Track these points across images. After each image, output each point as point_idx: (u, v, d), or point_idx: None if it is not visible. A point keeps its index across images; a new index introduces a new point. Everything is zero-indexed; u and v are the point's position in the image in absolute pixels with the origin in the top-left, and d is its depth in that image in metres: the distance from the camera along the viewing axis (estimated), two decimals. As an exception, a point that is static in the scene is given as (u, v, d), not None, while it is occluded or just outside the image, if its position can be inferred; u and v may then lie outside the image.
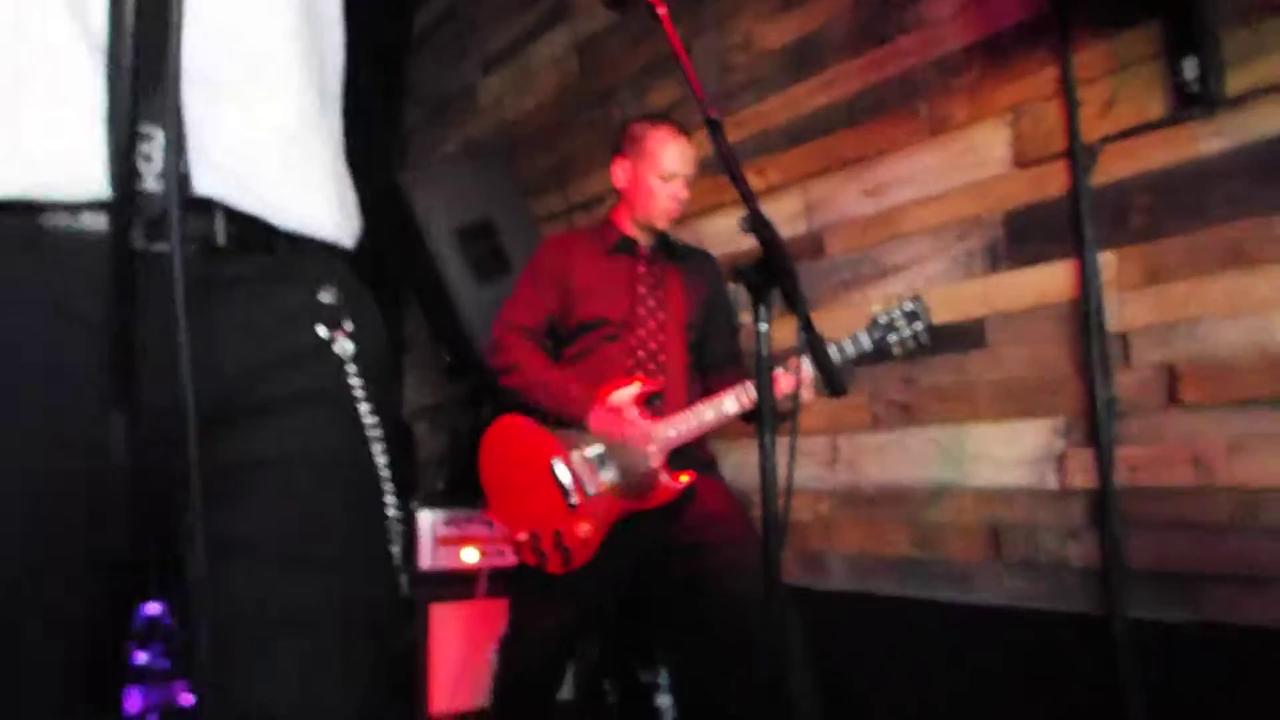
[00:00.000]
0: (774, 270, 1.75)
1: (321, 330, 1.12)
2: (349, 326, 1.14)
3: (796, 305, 1.73)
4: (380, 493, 1.15)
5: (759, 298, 1.79)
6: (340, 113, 1.23)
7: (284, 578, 1.04)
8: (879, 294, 3.10)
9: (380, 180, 4.08)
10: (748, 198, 1.78)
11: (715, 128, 1.78)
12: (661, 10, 1.80)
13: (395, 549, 1.17)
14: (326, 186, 1.15)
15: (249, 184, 1.04)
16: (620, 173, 2.86)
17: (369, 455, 1.14)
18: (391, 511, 1.16)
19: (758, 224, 1.76)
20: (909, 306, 2.53)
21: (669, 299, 2.82)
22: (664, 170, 2.78)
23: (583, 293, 2.80)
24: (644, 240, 2.87)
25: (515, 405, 2.78)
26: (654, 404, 2.70)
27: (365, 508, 1.14)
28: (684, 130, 2.86)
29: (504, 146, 4.78)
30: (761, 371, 1.78)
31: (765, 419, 1.76)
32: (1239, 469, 2.34)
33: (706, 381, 2.86)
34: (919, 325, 2.52)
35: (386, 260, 4.21)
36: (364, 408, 1.14)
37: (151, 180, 0.93)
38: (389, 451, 1.16)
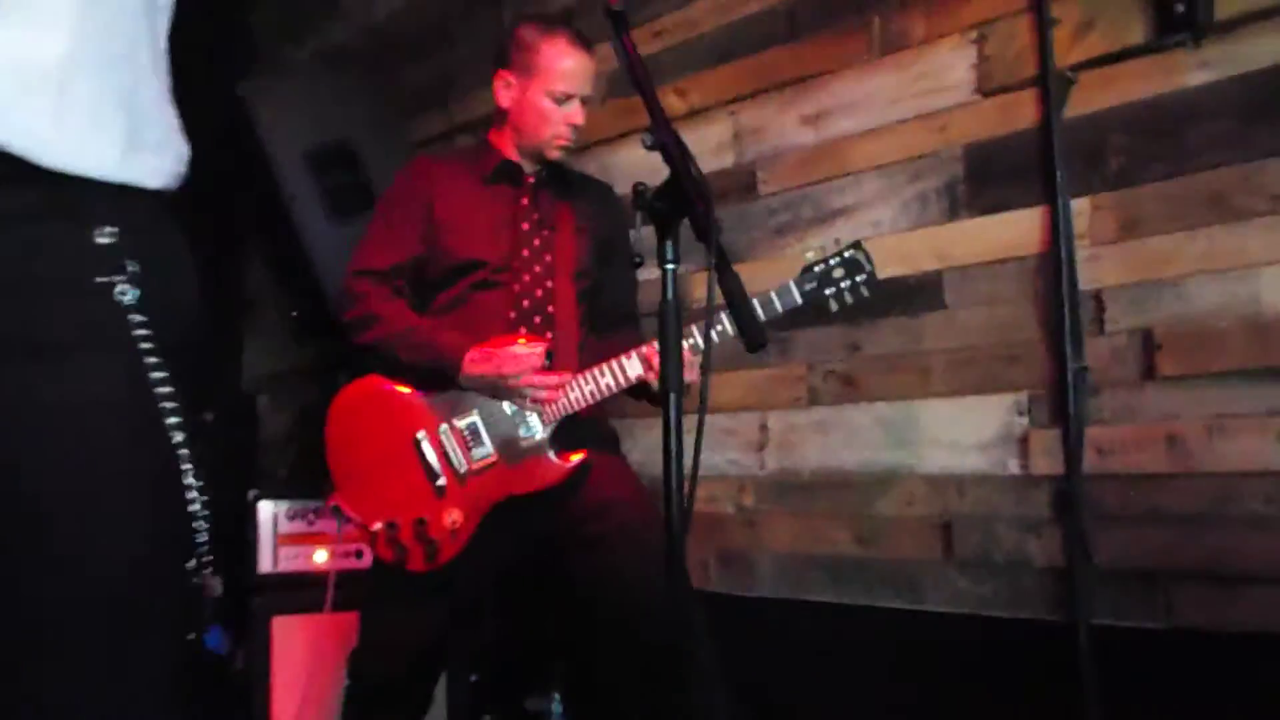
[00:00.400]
0: (683, 196, 1.82)
1: (96, 274, 1.19)
2: (132, 269, 1.22)
3: (709, 238, 1.79)
4: (171, 465, 1.22)
5: (665, 230, 1.86)
6: (150, 33, 1.35)
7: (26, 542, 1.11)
8: (820, 242, 3.21)
9: (218, 90, 4.05)
10: (653, 108, 1.84)
11: (618, 21, 1.82)
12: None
13: (196, 536, 1.26)
14: (107, 119, 1.24)
15: (9, 117, 1.15)
16: (504, 89, 2.87)
17: (156, 417, 1.21)
18: (193, 494, 1.24)
19: (664, 139, 1.82)
20: (849, 254, 2.63)
21: (558, 240, 2.86)
22: (557, 89, 2.79)
23: (453, 229, 2.82)
24: (530, 168, 2.91)
25: (374, 368, 2.81)
26: (542, 365, 2.74)
27: (140, 484, 1.20)
28: (585, 41, 2.87)
29: (371, 54, 4.77)
30: (666, 321, 1.84)
31: (670, 380, 1.82)
32: (1218, 452, 2.50)
33: (600, 342, 2.92)
34: (860, 276, 2.62)
35: (227, 195, 4.19)
36: (151, 362, 1.21)
37: None
38: (185, 417, 1.22)
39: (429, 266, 2.86)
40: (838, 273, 2.63)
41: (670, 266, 1.84)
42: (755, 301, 2.56)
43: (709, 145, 3.49)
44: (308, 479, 3.91)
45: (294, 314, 3.94)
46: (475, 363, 2.67)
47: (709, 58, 3.54)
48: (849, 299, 2.63)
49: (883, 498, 3.06)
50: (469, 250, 2.80)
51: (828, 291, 2.62)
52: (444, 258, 2.82)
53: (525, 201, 2.89)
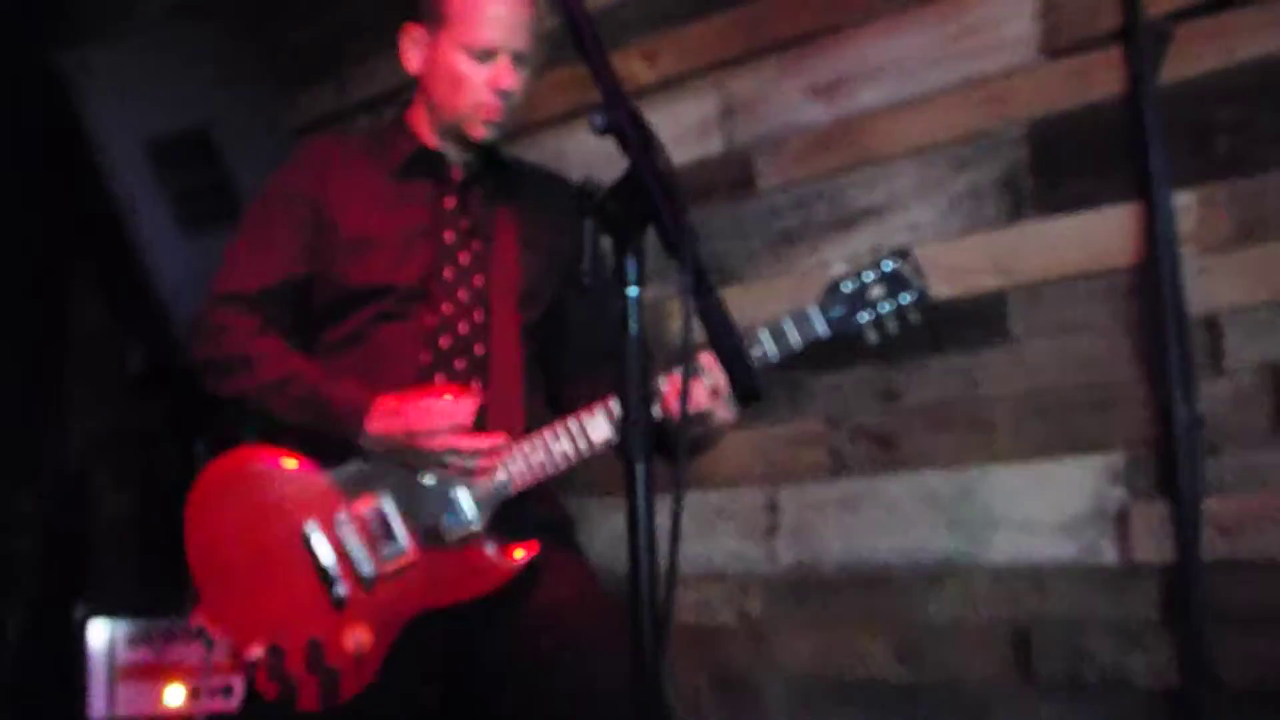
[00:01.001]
0: (646, 195, 1.86)
1: None
2: None
3: (682, 253, 1.82)
4: None
5: (624, 241, 1.89)
6: None
7: None
8: (841, 253, 3.25)
9: (26, 62, 4.11)
10: (602, 76, 1.87)
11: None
12: None
13: None
14: None
15: None
16: (411, 47, 2.89)
17: None
18: None
19: (618, 119, 1.86)
20: (890, 265, 2.59)
21: (495, 254, 2.88)
22: (475, 41, 2.79)
23: (349, 240, 2.83)
24: (456, 156, 2.92)
25: (246, 430, 2.84)
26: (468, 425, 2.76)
27: None
28: None
29: (236, 8, 4.80)
30: (627, 363, 1.88)
31: (632, 446, 1.86)
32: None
33: (560, 392, 2.93)
34: (908, 296, 2.60)
35: (41, 200, 4.25)
36: None
37: None
38: None
39: (316, 291, 2.86)
40: (875, 291, 2.59)
41: (631, 292, 1.87)
42: (764, 334, 2.56)
43: (688, 125, 3.55)
44: (157, 587, 3.93)
45: (138, 359, 3.97)
46: (379, 419, 2.68)
47: (684, 9, 3.59)
48: (893, 328, 2.61)
49: (934, 599, 3.09)
50: (369, 270, 2.81)
51: (863, 318, 2.59)
52: (336, 279, 2.83)
53: (450, 203, 2.89)
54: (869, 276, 2.61)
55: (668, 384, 2.58)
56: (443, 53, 2.82)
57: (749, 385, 1.92)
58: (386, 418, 2.65)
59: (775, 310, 2.65)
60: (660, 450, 2.63)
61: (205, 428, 3.96)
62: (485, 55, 2.79)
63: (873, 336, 2.61)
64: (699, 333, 1.92)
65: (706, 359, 2.55)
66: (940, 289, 3.04)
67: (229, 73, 4.16)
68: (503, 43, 2.78)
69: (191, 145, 3.93)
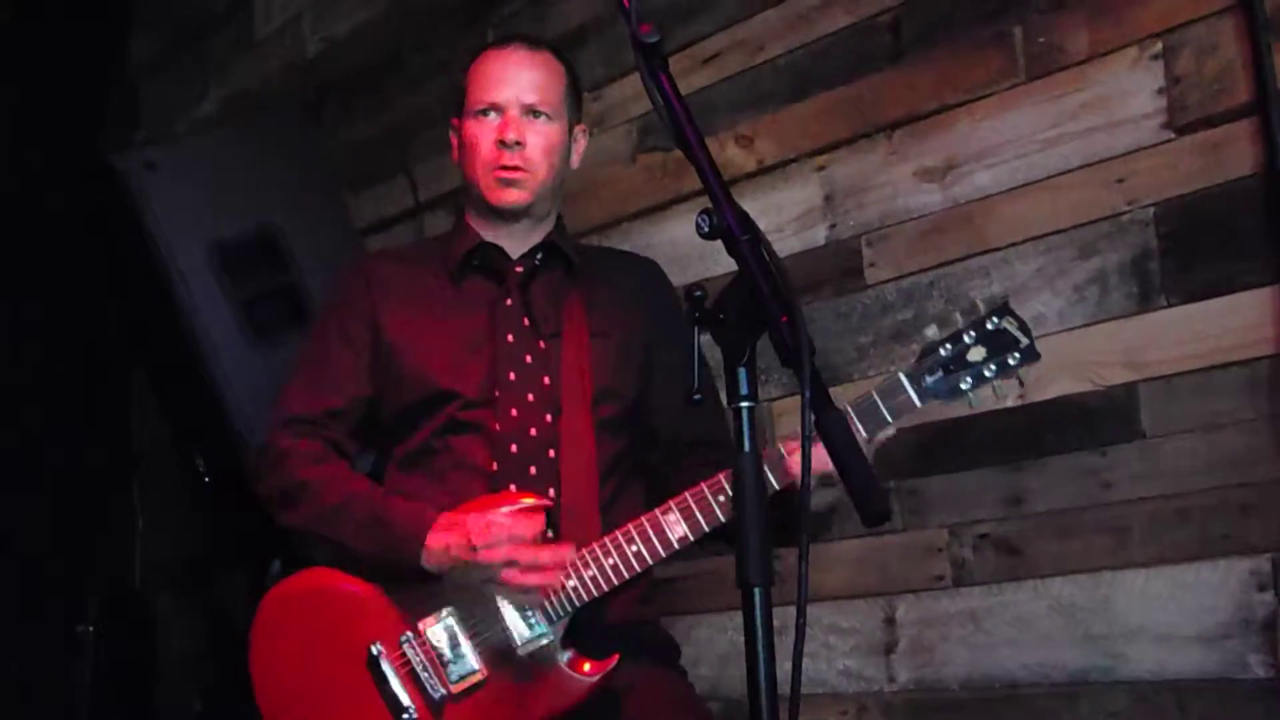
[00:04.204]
0: (760, 305, 1.87)
1: None
2: None
3: (800, 365, 1.83)
4: None
5: (736, 352, 1.91)
6: None
7: None
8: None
9: (84, 165, 4.19)
10: (708, 177, 1.90)
11: (650, 55, 1.90)
12: None
13: None
14: None
15: None
16: (455, 140, 3.02)
17: None
18: None
19: (727, 222, 1.88)
20: (992, 324, 2.55)
21: (563, 351, 2.91)
22: (479, 101, 2.90)
23: (408, 351, 2.89)
24: (515, 245, 2.99)
25: (318, 556, 2.87)
26: (542, 535, 2.73)
27: None
28: (522, 40, 2.99)
29: (300, 104, 4.92)
30: (744, 482, 1.88)
31: (749, 571, 1.85)
32: None
33: (659, 492, 2.87)
34: (1013, 355, 2.50)
35: (102, 308, 4.32)
36: None
37: None
38: None
39: (383, 408, 2.94)
40: (975, 353, 2.50)
41: (745, 405, 1.88)
42: (851, 415, 2.49)
43: (790, 214, 3.60)
44: (232, 715, 3.95)
45: (204, 474, 4.01)
46: (439, 533, 2.69)
47: (783, 90, 3.65)
48: (999, 389, 2.54)
49: (1070, 717, 3.07)
50: (431, 382, 2.87)
51: (963, 383, 2.50)
52: (399, 395, 2.90)
53: (510, 300, 2.94)
54: (968, 337, 2.52)
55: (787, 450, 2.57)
56: (462, 128, 2.95)
57: (876, 506, 1.90)
58: (446, 531, 2.68)
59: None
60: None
61: (280, 545, 4.00)
62: (489, 111, 2.90)
63: (972, 400, 2.52)
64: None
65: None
66: (1066, 385, 3.07)
67: (294, 172, 4.25)
68: (503, 97, 2.89)
69: (258, 248, 4.01)
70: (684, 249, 3.72)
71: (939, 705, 3.29)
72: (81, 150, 4.80)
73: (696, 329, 1.94)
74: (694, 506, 2.61)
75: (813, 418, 1.86)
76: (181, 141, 4.57)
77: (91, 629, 4.44)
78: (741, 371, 1.89)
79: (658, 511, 2.65)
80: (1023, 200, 3.22)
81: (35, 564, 4.80)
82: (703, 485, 2.61)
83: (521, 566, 2.64)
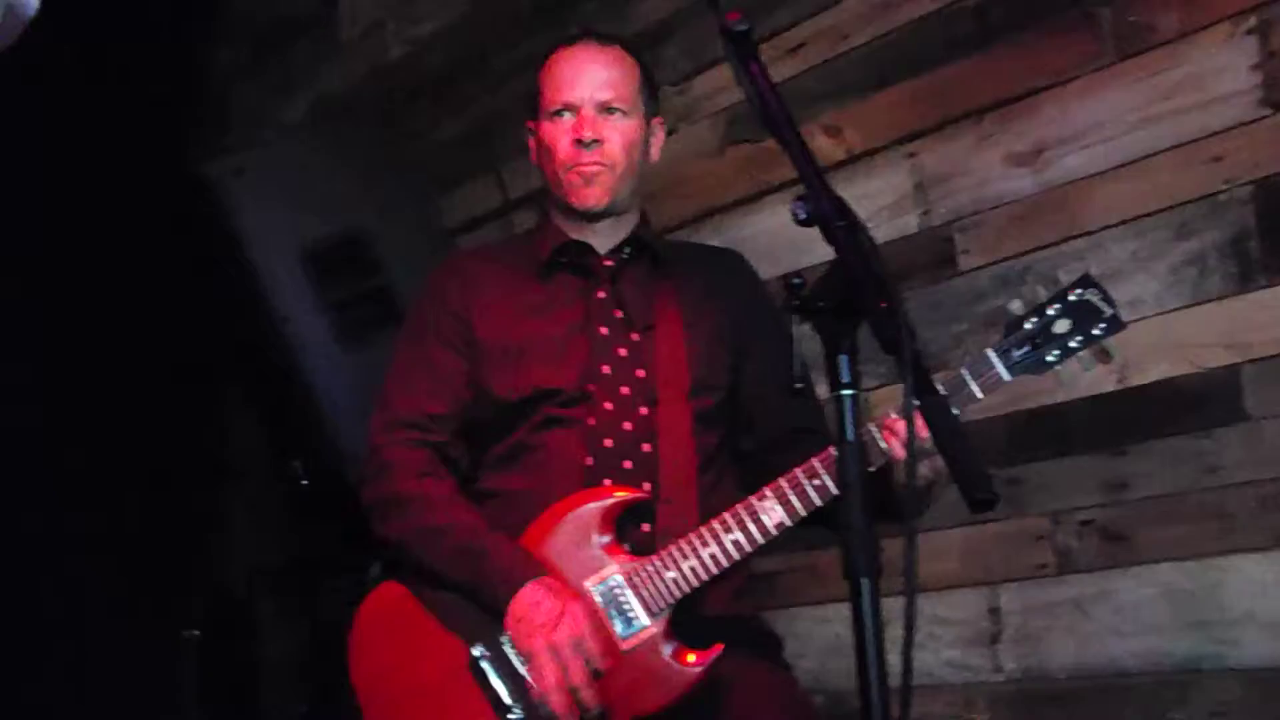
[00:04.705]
0: (859, 292, 1.87)
1: None
2: None
3: (901, 351, 1.82)
4: None
5: (836, 341, 1.91)
6: None
7: None
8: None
9: (172, 172, 4.24)
10: (803, 164, 1.90)
11: (740, 44, 1.90)
12: None
13: None
14: None
15: None
16: (532, 142, 3.03)
17: None
18: None
19: (824, 210, 1.88)
20: (1076, 295, 2.53)
21: (657, 343, 2.92)
22: (553, 102, 2.91)
23: (503, 351, 2.90)
24: (602, 241, 3.00)
25: (409, 563, 2.86)
26: (638, 527, 2.76)
27: None
28: (592, 37, 3.00)
29: (385, 107, 4.97)
30: (847, 471, 1.88)
31: (856, 562, 1.85)
32: None
33: (754, 482, 2.83)
34: (1098, 326, 2.50)
35: (195, 316, 4.38)
36: None
37: None
38: None
39: (478, 408, 2.93)
40: (1060, 325, 2.52)
41: (847, 394, 1.88)
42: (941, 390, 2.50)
43: (881, 203, 3.60)
44: (337, 717, 3.99)
45: (302, 479, 4.06)
46: (532, 596, 2.64)
47: (870, 79, 3.65)
48: (1086, 363, 2.56)
49: (1180, 706, 3.05)
50: (525, 379, 2.87)
51: (1049, 356, 2.52)
52: (494, 394, 2.89)
53: (602, 294, 2.96)
54: (1053, 310, 2.54)
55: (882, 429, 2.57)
56: (539, 130, 2.96)
57: (983, 492, 1.90)
58: (544, 590, 2.64)
59: (987, 400, 2.60)
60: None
61: (377, 553, 4.03)
62: (564, 111, 2.90)
63: (1059, 369, 2.54)
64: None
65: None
66: (1166, 368, 3.05)
67: (382, 175, 4.29)
68: (577, 96, 2.90)
69: (348, 252, 4.05)
70: (776, 240, 3.74)
71: (1046, 695, 3.28)
72: (170, 158, 4.85)
73: (795, 318, 1.94)
74: (789, 492, 2.60)
75: (915, 403, 1.86)
76: (269, 147, 4.59)
77: (197, 633, 4.50)
78: (843, 359, 1.88)
79: (753, 499, 2.64)
80: (1116, 182, 3.21)
81: (139, 570, 4.88)
82: (797, 471, 2.60)
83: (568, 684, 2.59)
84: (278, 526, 5.12)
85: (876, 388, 3.48)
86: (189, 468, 5.20)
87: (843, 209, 1.89)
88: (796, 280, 1.93)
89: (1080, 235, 3.26)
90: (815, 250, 3.51)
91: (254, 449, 5.03)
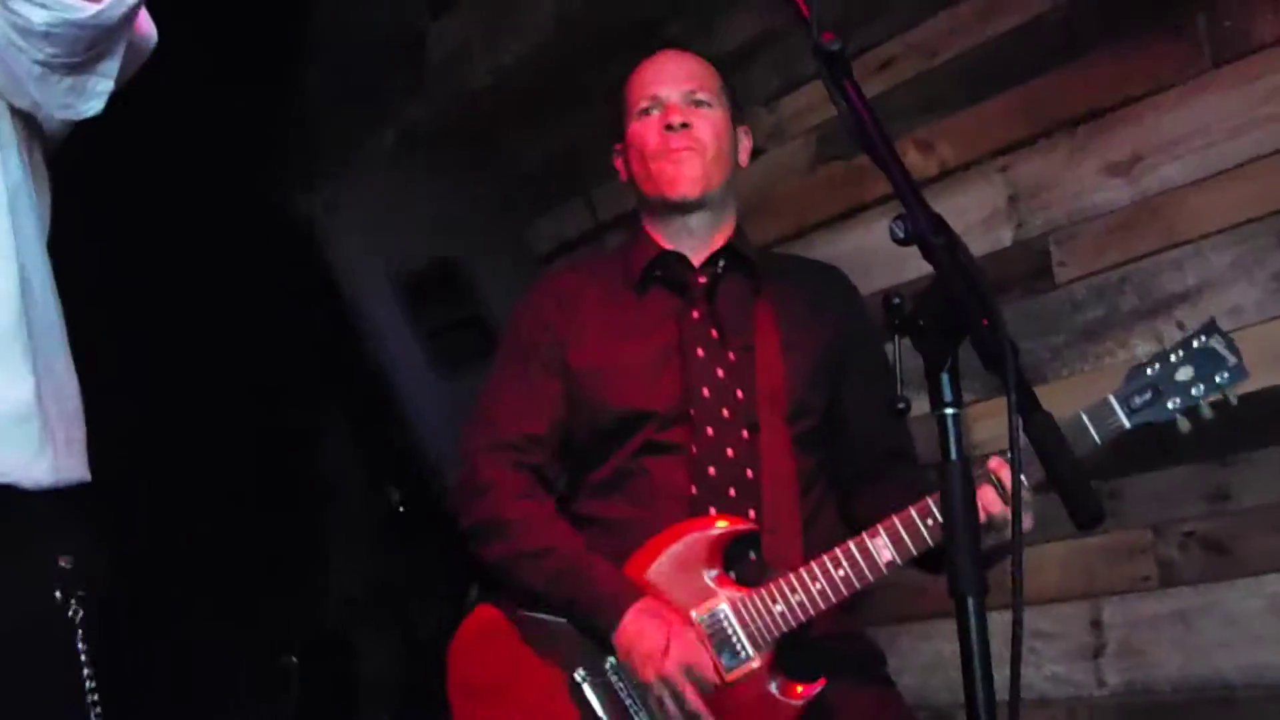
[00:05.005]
0: (959, 309, 1.87)
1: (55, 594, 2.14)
2: (82, 594, 2.17)
3: (1004, 370, 1.82)
4: None
5: (937, 358, 1.91)
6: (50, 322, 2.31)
7: None
8: (1154, 344, 3.21)
9: (263, 205, 4.31)
10: (900, 183, 1.90)
11: (834, 63, 1.90)
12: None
13: None
14: (70, 431, 2.27)
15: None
16: (621, 160, 3.08)
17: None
18: None
19: (923, 229, 1.89)
20: (1199, 342, 2.54)
21: (756, 362, 2.92)
22: (639, 102, 2.97)
23: (600, 371, 2.91)
24: (696, 247, 3.00)
25: (509, 586, 2.88)
26: (745, 556, 2.76)
27: None
28: (676, 47, 3.09)
29: (473, 133, 5.00)
30: (951, 490, 1.88)
31: (962, 581, 1.85)
32: None
33: (850, 506, 2.93)
34: (1221, 374, 2.51)
35: (288, 343, 4.43)
36: (87, 673, 2.16)
37: None
38: None
39: (575, 431, 2.95)
40: (1183, 373, 2.52)
41: (950, 412, 1.88)
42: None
43: (975, 217, 3.60)
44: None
45: (397, 502, 4.10)
46: (638, 623, 2.66)
47: (961, 93, 3.66)
48: (1207, 411, 2.53)
49: (1292, 719, 3.02)
50: (622, 400, 2.88)
51: (1172, 404, 2.51)
52: (591, 416, 2.91)
53: (697, 313, 2.95)
54: (1174, 357, 2.53)
55: (986, 494, 2.55)
56: (627, 136, 3.01)
57: (1090, 509, 1.89)
58: (648, 616, 2.66)
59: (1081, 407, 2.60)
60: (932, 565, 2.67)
61: (473, 575, 4.06)
62: (650, 108, 2.96)
63: (1183, 424, 2.52)
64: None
65: (995, 463, 2.56)
66: (1268, 376, 3.01)
67: (471, 202, 4.34)
68: (660, 89, 2.97)
69: (440, 279, 4.09)
70: (869, 257, 3.74)
71: (1150, 709, 3.26)
72: (263, 188, 4.92)
73: (896, 337, 1.94)
74: (902, 531, 2.59)
75: (1019, 420, 1.86)
76: (360, 178, 4.66)
77: (294, 659, 4.54)
78: (944, 378, 1.88)
79: (865, 535, 2.63)
80: (1214, 190, 3.19)
81: (236, 597, 4.93)
82: (911, 510, 2.59)
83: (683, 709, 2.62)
84: (372, 550, 5.16)
85: (975, 402, 3.48)
86: (286, 492, 5.26)
87: (941, 226, 1.89)
88: (896, 299, 1.93)
89: (1178, 244, 3.25)
90: (909, 267, 3.59)
91: (349, 474, 5.08)
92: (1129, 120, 3.34)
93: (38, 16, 2.07)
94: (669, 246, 2.98)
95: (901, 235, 1.87)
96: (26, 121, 2.33)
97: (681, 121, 2.89)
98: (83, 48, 2.15)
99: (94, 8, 2.09)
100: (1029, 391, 1.89)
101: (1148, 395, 2.53)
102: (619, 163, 3.06)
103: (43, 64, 2.16)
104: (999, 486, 2.55)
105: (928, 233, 1.86)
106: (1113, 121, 3.37)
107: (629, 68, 4.13)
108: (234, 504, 5.01)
